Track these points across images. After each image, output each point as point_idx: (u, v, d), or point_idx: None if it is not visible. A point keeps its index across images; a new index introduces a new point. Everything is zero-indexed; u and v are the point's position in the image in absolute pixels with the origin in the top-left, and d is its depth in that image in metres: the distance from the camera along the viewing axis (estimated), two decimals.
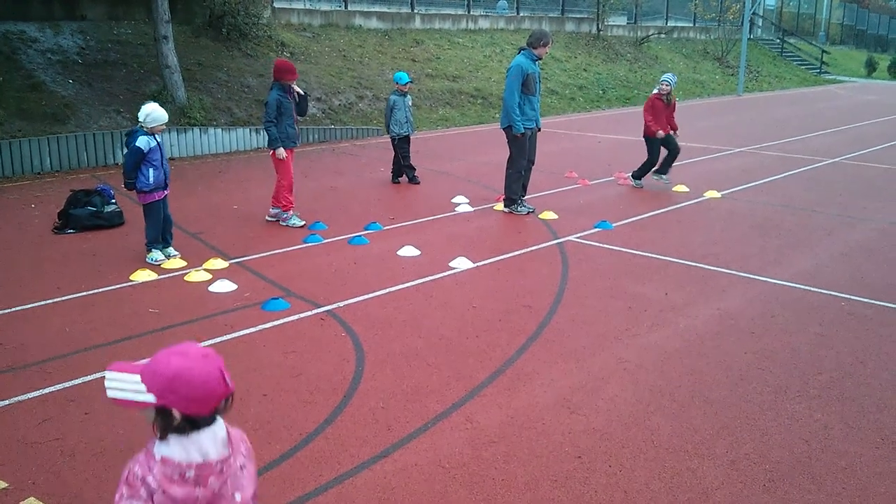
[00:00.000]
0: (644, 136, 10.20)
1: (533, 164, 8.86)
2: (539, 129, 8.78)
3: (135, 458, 1.91)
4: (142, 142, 6.56)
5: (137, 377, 1.86)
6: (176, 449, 1.88)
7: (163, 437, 1.89)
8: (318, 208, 8.56)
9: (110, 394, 1.88)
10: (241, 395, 4.38)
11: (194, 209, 8.64)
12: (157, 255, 6.80)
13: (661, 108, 10.04)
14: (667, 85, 9.99)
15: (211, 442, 1.90)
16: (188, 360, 1.88)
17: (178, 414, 1.86)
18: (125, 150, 6.72)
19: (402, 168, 10.37)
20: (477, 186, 10.18)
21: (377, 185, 10.21)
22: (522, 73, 8.31)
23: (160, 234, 6.84)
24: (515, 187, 8.71)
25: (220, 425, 1.93)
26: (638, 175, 10.27)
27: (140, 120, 6.60)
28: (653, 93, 10.19)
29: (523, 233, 7.95)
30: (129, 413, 2.61)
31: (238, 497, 1.93)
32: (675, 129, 10.20)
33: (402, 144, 10.30)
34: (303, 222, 8.05)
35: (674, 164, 10.25)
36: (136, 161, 6.59)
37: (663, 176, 10.21)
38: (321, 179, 10.35)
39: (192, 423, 1.88)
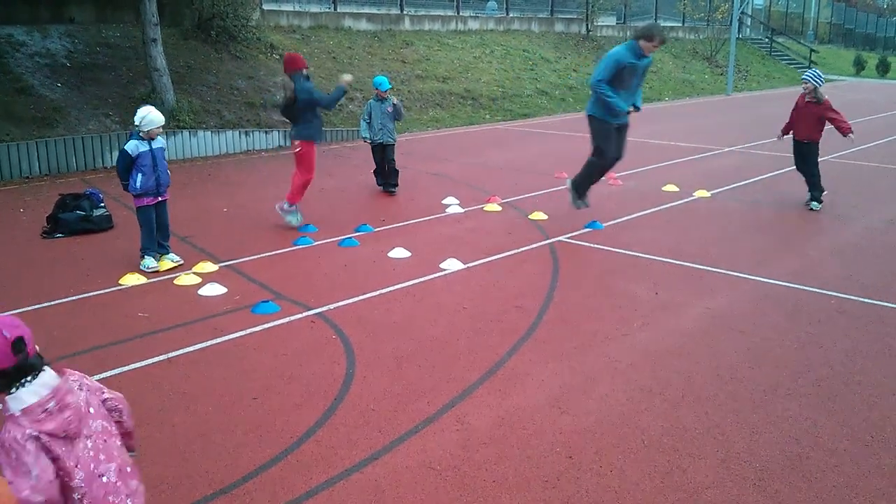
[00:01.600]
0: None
1: (619, 159, 8.23)
2: (627, 125, 8.06)
3: (3, 431, 2.22)
4: (130, 146, 6.50)
5: None
6: (27, 397, 2.23)
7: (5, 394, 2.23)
8: (308, 210, 8.54)
9: None
10: (232, 399, 4.37)
11: (183, 212, 8.60)
12: (149, 262, 6.70)
13: (801, 109, 8.90)
14: (806, 83, 8.77)
15: (49, 378, 2.29)
16: None
17: None
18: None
19: (374, 173, 10.01)
20: (467, 188, 10.18)
21: (367, 187, 10.19)
22: (616, 63, 7.59)
23: (153, 240, 6.75)
24: (589, 181, 8.20)
25: (48, 374, 2.30)
26: (814, 197, 9.02)
27: (136, 123, 6.54)
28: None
29: (514, 233, 7.95)
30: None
31: (92, 410, 2.38)
32: (808, 137, 8.89)
33: (376, 151, 9.81)
34: (297, 223, 8.04)
35: (818, 189, 9.03)
36: (126, 164, 6.55)
37: (814, 203, 8.98)
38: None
39: (19, 373, 2.23)
